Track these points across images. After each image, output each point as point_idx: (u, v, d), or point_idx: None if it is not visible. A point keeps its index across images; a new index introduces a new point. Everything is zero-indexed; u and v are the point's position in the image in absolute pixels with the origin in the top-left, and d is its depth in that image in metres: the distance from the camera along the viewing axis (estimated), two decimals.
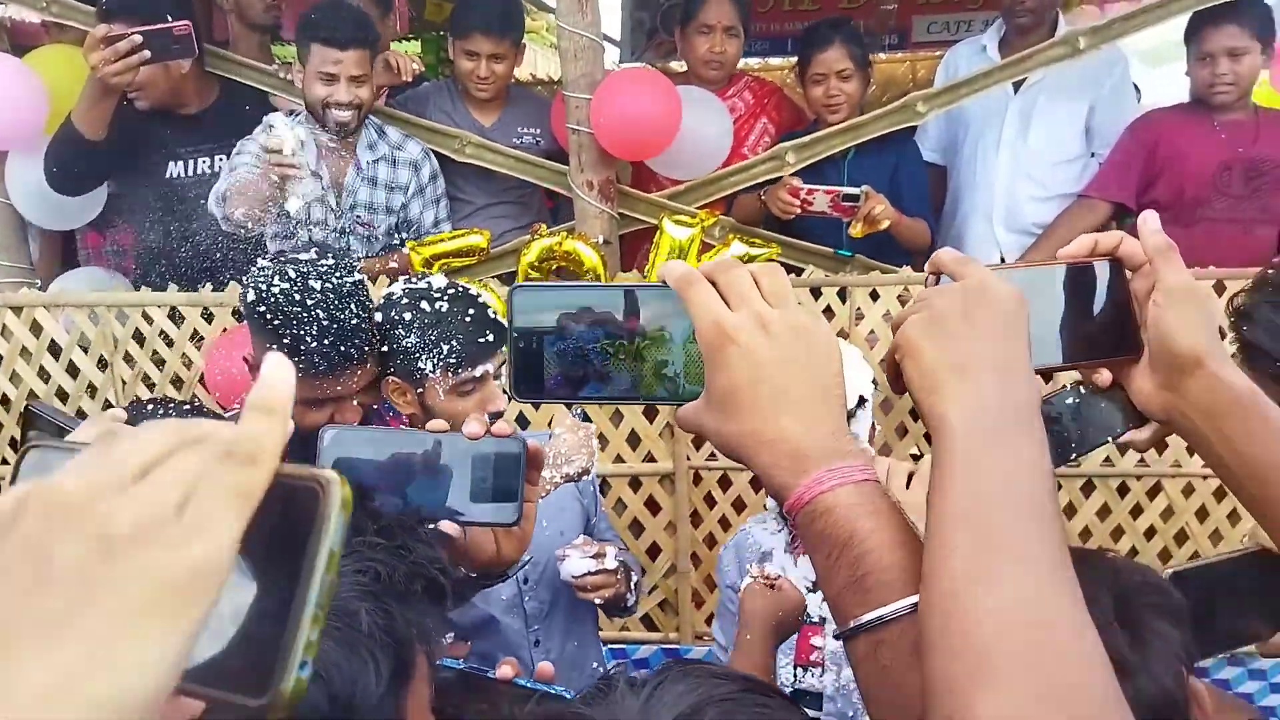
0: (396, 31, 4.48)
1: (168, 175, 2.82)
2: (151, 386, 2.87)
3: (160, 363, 2.85)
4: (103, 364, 2.85)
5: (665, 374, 0.70)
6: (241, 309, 1.67)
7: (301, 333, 1.56)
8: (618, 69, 3.47)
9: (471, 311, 1.73)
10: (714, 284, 0.66)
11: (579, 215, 2.75)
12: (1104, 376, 0.84)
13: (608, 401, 0.71)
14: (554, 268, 2.70)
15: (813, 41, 2.92)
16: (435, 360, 1.69)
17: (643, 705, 0.68)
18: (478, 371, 1.71)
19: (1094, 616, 0.85)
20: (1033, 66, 2.78)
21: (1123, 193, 2.89)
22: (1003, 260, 3.03)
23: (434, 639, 0.77)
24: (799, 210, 2.72)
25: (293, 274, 1.58)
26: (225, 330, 2.77)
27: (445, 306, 1.71)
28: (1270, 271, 1.16)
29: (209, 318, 2.80)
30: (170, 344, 2.83)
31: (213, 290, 2.77)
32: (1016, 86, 3.03)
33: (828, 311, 2.70)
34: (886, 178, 2.91)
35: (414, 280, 1.76)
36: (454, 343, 1.69)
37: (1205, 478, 2.65)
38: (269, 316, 1.57)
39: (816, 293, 2.72)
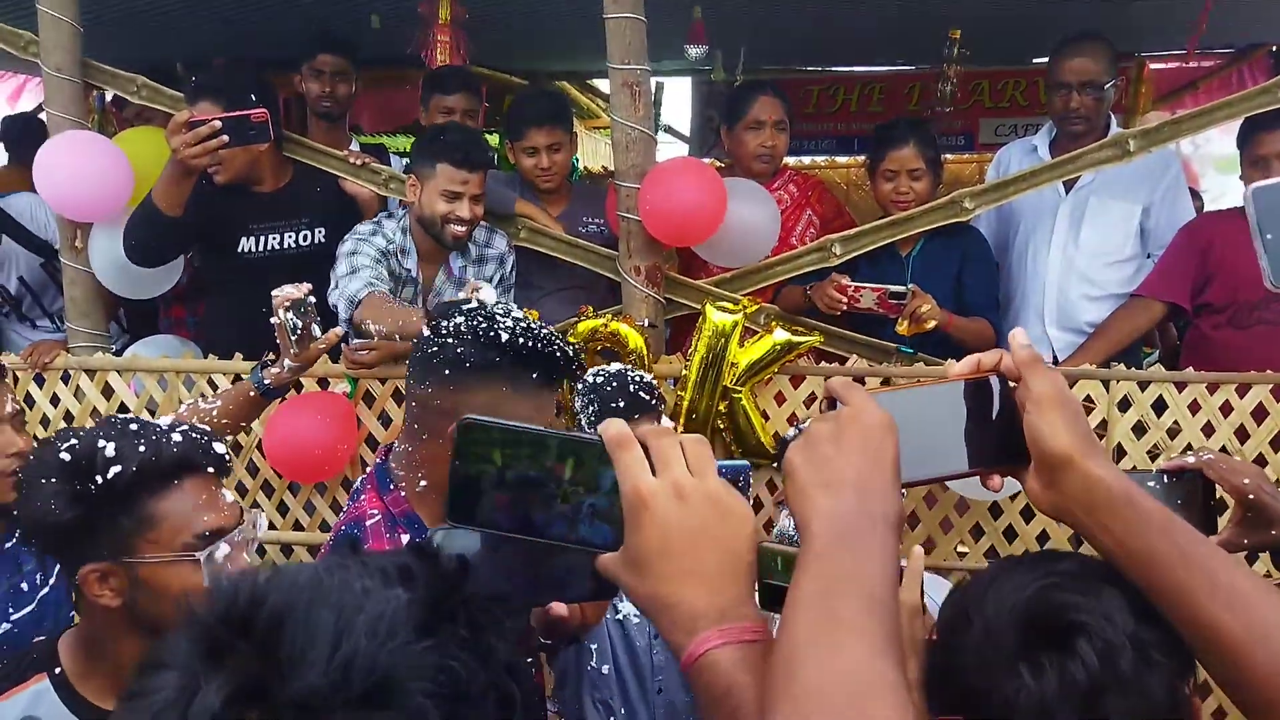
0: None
1: (239, 249, 2.97)
2: None
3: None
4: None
5: (594, 523, 0.74)
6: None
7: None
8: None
9: (615, 384, 2.19)
10: (645, 448, 0.72)
11: (626, 299, 2.81)
12: (995, 482, 0.90)
13: (538, 540, 0.75)
14: (599, 348, 2.76)
15: (888, 139, 2.97)
16: (587, 420, 2.19)
17: None
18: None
19: (1110, 634, 0.90)
20: (1082, 167, 2.79)
21: (1176, 293, 2.85)
22: (1055, 360, 2.99)
23: None
24: (845, 307, 2.74)
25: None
26: (284, 399, 2.88)
27: (599, 380, 2.20)
28: None
29: None
30: None
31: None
32: (1068, 187, 3.04)
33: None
34: (953, 273, 2.93)
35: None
36: (594, 406, 2.17)
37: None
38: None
39: (859, 382, 2.71)
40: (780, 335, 2.70)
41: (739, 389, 2.69)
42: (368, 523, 1.53)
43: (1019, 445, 0.86)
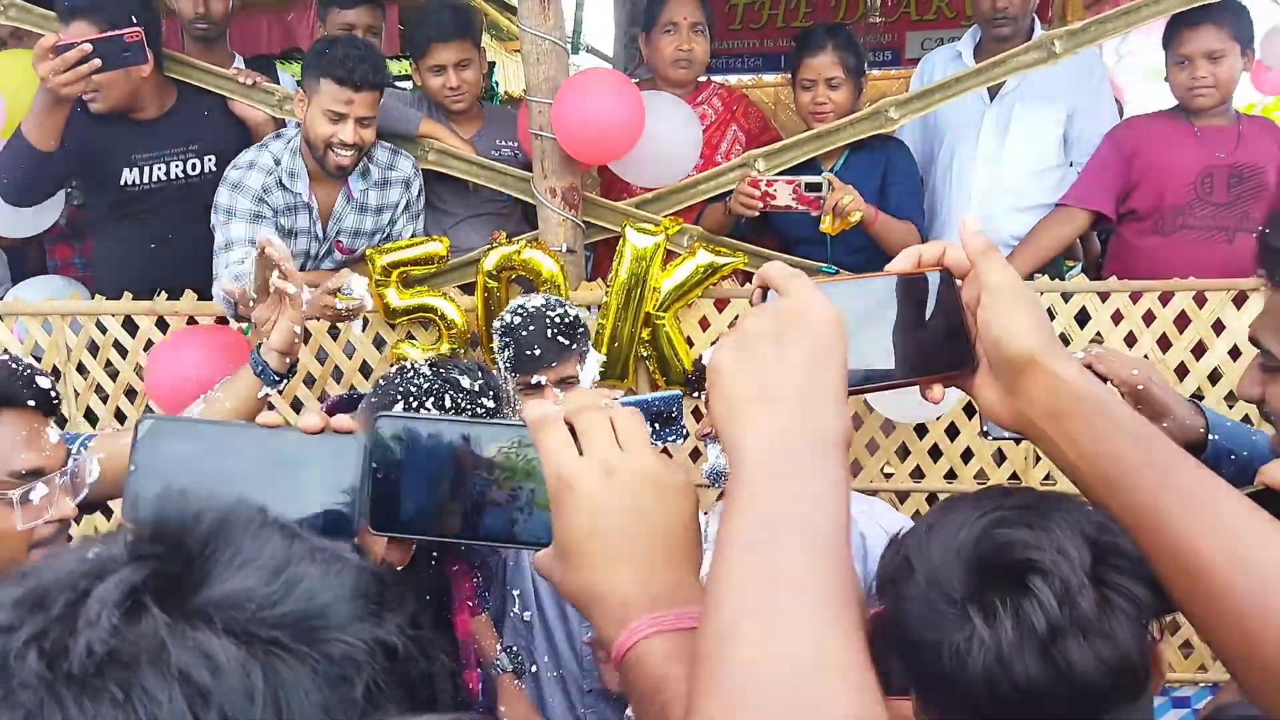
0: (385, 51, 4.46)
1: (122, 182, 2.76)
2: (105, 397, 2.82)
3: (114, 373, 2.80)
4: (55, 373, 2.80)
5: (535, 519, 0.68)
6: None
7: None
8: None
9: (532, 326, 2.01)
10: (571, 425, 0.64)
11: (542, 223, 2.69)
12: (935, 393, 0.79)
13: (468, 543, 0.68)
14: (513, 276, 2.63)
15: (805, 46, 2.87)
16: (504, 364, 2.06)
17: None
18: (531, 380, 2.00)
19: (1066, 571, 0.80)
20: (1007, 71, 2.71)
21: (1102, 201, 2.81)
22: None
23: None
24: (760, 204, 2.63)
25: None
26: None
27: (516, 320, 2.05)
28: None
29: (164, 326, 2.75)
30: (124, 353, 2.78)
31: (167, 299, 2.72)
32: (992, 95, 2.96)
33: None
34: (877, 187, 2.84)
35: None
36: (509, 351, 2.03)
37: None
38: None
39: None
40: (703, 257, 2.61)
41: (662, 315, 2.60)
42: None
43: (963, 350, 0.76)
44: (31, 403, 1.29)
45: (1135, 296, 2.57)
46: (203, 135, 2.83)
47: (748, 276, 2.77)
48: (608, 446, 0.63)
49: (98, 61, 2.38)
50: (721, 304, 2.67)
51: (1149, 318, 2.56)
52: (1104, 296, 2.58)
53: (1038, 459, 2.63)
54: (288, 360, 1.70)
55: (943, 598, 0.83)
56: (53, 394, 1.32)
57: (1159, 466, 0.69)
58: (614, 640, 0.61)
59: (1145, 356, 2.50)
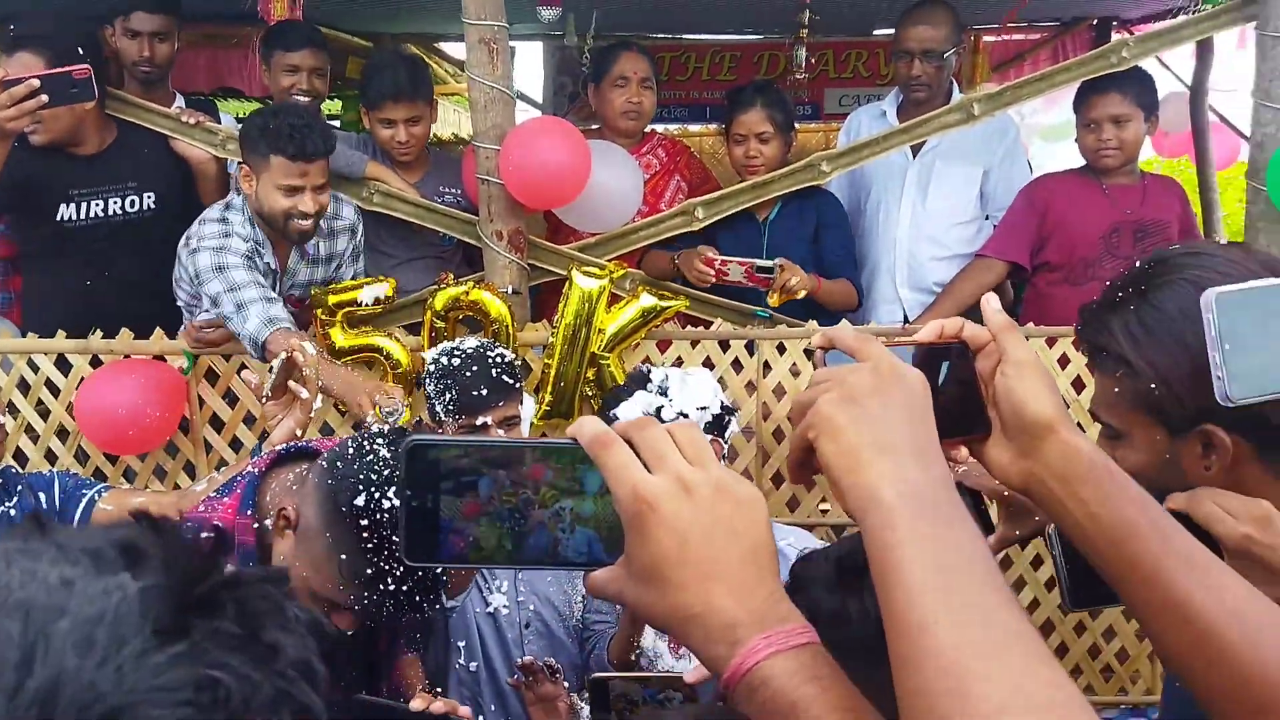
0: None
1: (59, 217, 2.72)
2: (35, 437, 2.74)
3: (45, 413, 2.73)
4: None
5: (578, 537, 0.66)
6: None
7: None
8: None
9: (475, 368, 2.02)
10: (629, 443, 0.63)
11: (488, 265, 2.74)
12: (961, 453, 0.87)
13: (515, 568, 0.67)
14: (460, 317, 2.67)
15: (736, 103, 3.01)
16: (444, 408, 2.06)
17: None
18: (477, 421, 2.04)
19: (817, 577, 1.01)
20: (930, 130, 2.88)
21: (1017, 253, 2.99)
22: (906, 319, 3.10)
23: None
24: (714, 280, 2.74)
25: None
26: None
27: (456, 362, 2.04)
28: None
29: (97, 365, 2.70)
30: (57, 393, 2.71)
31: (102, 337, 2.68)
32: (915, 152, 3.14)
33: (735, 364, 2.72)
34: (809, 236, 2.98)
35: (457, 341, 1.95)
36: (452, 394, 2.04)
37: None
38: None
39: (725, 345, 2.74)
40: (647, 300, 2.69)
41: (606, 355, 2.67)
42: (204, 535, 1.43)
43: (976, 418, 0.83)
44: None
45: (1051, 341, 2.73)
46: (143, 173, 2.81)
47: (689, 319, 2.86)
48: (679, 462, 0.62)
49: (45, 98, 2.36)
50: (664, 345, 2.75)
51: (1064, 361, 2.73)
52: None
53: None
54: None
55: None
56: None
57: (1160, 531, 0.78)
58: (726, 660, 0.60)
59: (1062, 397, 2.66)
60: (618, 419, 1.96)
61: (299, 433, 1.72)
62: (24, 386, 2.71)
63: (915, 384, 0.68)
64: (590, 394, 2.70)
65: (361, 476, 1.32)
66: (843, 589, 1.04)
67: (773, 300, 2.73)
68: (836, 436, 0.66)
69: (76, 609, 0.40)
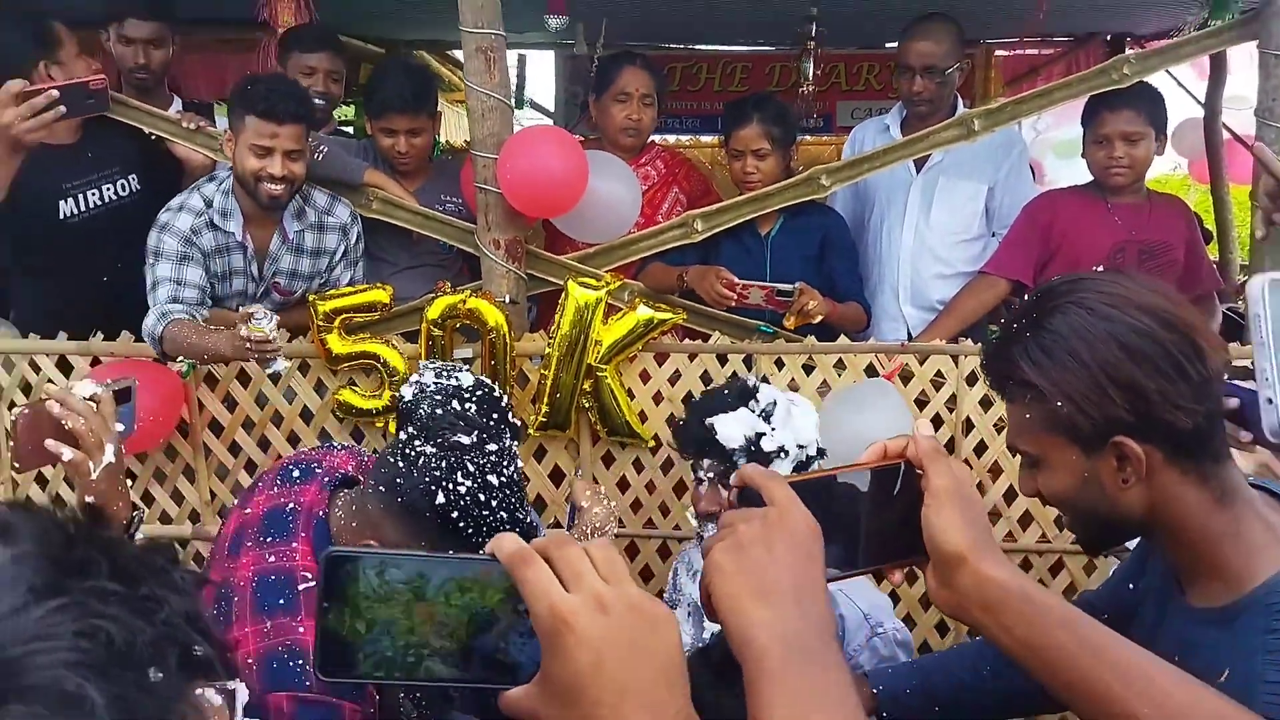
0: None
1: (61, 215, 2.72)
2: None
3: None
4: None
5: (496, 656, 0.65)
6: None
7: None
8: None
9: (495, 415, 1.86)
10: (547, 560, 0.64)
11: (486, 274, 2.74)
12: (896, 576, 0.89)
13: (429, 685, 0.66)
14: (457, 325, 2.67)
15: (733, 118, 2.98)
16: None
17: None
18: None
19: (700, 683, 0.99)
20: (931, 146, 2.86)
21: (1021, 270, 2.97)
22: (910, 336, 3.08)
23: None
24: (734, 303, 2.72)
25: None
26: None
27: (472, 409, 1.83)
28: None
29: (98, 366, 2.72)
30: None
31: (104, 339, 2.69)
32: (919, 167, 3.12)
33: (733, 379, 2.70)
34: (812, 254, 2.96)
35: (445, 374, 1.75)
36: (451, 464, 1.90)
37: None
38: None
39: (723, 359, 2.73)
40: (644, 312, 2.68)
41: (603, 367, 2.66)
42: (301, 587, 1.43)
43: (918, 542, 0.83)
44: None
45: None
46: (121, 156, 2.81)
47: (687, 332, 2.85)
48: (594, 580, 0.63)
49: (64, 108, 2.38)
50: (661, 358, 2.74)
51: None
52: None
53: None
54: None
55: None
56: None
57: (1091, 647, 0.79)
58: None
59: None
60: (714, 428, 1.92)
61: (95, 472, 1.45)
62: (26, 389, 2.73)
63: (803, 530, 0.72)
64: (586, 405, 2.70)
65: (428, 478, 1.38)
66: (723, 685, 1.05)
67: (789, 323, 2.71)
68: (722, 583, 0.71)
69: None
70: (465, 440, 1.43)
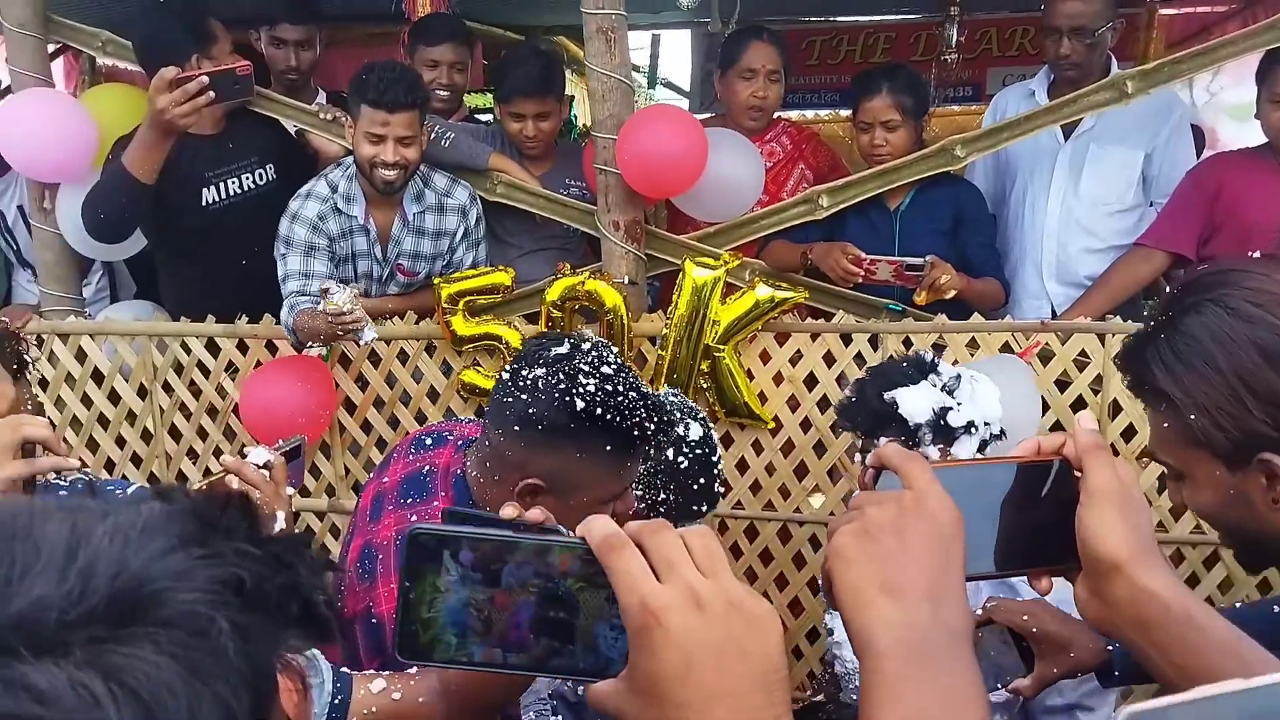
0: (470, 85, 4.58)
1: (204, 203, 2.86)
2: (188, 415, 2.94)
3: (197, 392, 2.92)
4: (142, 392, 2.94)
5: (582, 644, 0.61)
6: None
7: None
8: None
9: (703, 480, 1.88)
10: (641, 548, 0.60)
11: (605, 255, 2.73)
12: (1043, 585, 0.79)
13: (511, 672, 0.62)
14: (576, 307, 2.68)
15: (862, 89, 2.87)
16: (650, 503, 1.87)
17: None
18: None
19: None
20: (1079, 111, 2.66)
21: (1182, 243, 2.73)
22: (1054, 314, 2.89)
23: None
24: (861, 280, 2.63)
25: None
26: (259, 364, 2.83)
27: (684, 464, 1.87)
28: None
29: (244, 348, 2.87)
30: (206, 374, 2.90)
31: (248, 322, 2.84)
32: (1067, 134, 2.91)
33: (858, 358, 2.60)
34: (944, 229, 2.81)
35: (677, 412, 1.84)
36: (675, 498, 1.88)
37: None
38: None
39: (847, 339, 2.63)
40: (763, 291, 2.61)
41: (721, 348, 2.61)
42: None
43: (1070, 546, 0.75)
44: None
45: None
46: (260, 146, 2.93)
47: (809, 310, 2.76)
48: (691, 573, 0.58)
49: (212, 94, 2.51)
50: (782, 338, 2.67)
51: None
52: None
53: None
54: None
55: None
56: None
57: (1257, 674, 0.69)
58: None
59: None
60: (896, 402, 1.80)
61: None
62: (177, 367, 2.91)
63: (943, 521, 0.65)
64: (705, 386, 2.65)
65: (556, 394, 1.39)
66: None
67: (920, 299, 2.59)
68: (846, 571, 0.64)
69: (113, 521, 0.47)
70: (563, 349, 1.44)
